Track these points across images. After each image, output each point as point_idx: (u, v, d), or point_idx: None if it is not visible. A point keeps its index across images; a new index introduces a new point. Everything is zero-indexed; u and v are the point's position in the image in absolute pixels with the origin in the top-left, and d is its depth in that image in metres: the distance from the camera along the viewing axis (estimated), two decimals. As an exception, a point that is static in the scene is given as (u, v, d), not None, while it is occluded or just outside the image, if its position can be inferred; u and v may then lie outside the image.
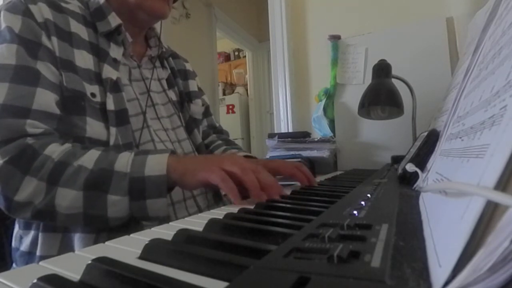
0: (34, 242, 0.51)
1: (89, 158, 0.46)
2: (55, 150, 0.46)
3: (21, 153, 0.45)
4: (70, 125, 0.51)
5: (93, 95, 0.54)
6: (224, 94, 4.11)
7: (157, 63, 0.73)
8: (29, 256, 0.51)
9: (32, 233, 0.52)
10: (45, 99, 0.49)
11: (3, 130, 0.46)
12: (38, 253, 0.50)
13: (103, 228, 0.49)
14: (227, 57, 4.39)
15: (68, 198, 0.44)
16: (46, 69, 0.51)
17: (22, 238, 0.53)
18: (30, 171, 0.45)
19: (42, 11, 0.53)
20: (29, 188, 0.44)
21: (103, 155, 0.47)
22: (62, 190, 0.44)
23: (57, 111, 0.50)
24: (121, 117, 0.56)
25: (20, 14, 0.51)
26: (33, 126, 0.47)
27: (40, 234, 0.50)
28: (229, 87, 4.26)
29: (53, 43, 0.53)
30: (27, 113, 0.47)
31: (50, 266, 0.22)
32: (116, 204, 0.45)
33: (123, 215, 0.46)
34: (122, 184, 0.45)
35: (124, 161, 0.46)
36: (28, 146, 0.46)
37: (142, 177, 0.45)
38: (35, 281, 0.18)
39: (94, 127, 0.53)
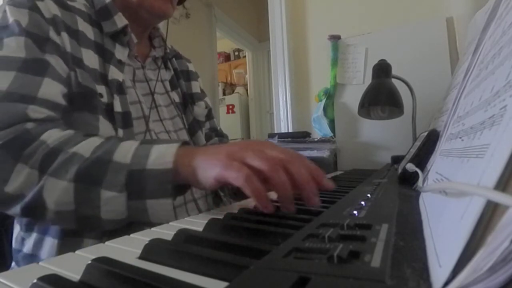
0: (37, 245, 0.50)
1: (88, 145, 0.41)
2: (52, 135, 0.42)
3: (16, 138, 0.40)
4: (83, 122, 0.50)
5: (100, 95, 0.53)
6: (224, 94, 4.11)
7: (161, 64, 0.73)
8: (32, 259, 0.50)
9: (34, 235, 0.50)
10: (52, 89, 0.47)
11: (2, 115, 0.42)
12: (42, 256, 0.48)
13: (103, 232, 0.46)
14: (227, 57, 4.39)
15: (56, 191, 0.38)
16: (54, 62, 0.50)
17: (24, 240, 0.52)
18: (21, 158, 0.40)
19: (49, 8, 0.53)
20: (20, 177, 0.39)
21: (104, 142, 0.41)
22: (51, 180, 0.38)
23: (63, 102, 0.48)
24: (126, 120, 0.56)
25: (26, 9, 0.50)
26: (36, 111, 0.44)
27: (45, 238, 0.49)
28: (229, 87, 4.26)
29: (63, 39, 0.52)
30: (31, 100, 0.44)
31: (50, 266, 0.22)
32: (110, 202, 0.38)
33: (119, 217, 0.39)
34: (118, 178, 0.38)
35: (125, 150, 0.40)
36: (26, 131, 0.42)
37: (142, 170, 0.38)
38: (35, 281, 0.18)
39: (105, 127, 0.52)
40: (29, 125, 0.43)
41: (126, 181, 0.38)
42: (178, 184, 0.40)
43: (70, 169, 0.39)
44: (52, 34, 0.51)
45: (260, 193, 0.34)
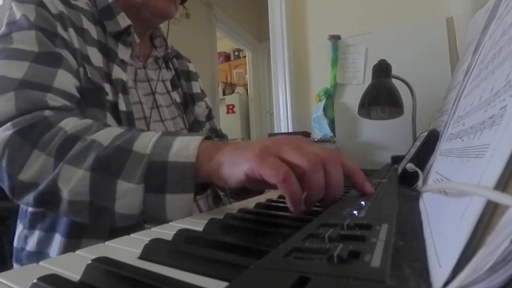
0: (43, 242, 0.50)
1: (108, 133, 0.39)
2: (70, 122, 0.41)
3: (34, 124, 0.40)
4: (93, 118, 0.49)
5: (106, 93, 0.53)
6: (224, 94, 4.11)
7: (162, 64, 0.73)
8: (38, 256, 0.50)
9: (37, 233, 0.51)
10: (66, 80, 0.47)
11: (20, 101, 0.41)
12: (51, 253, 0.48)
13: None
14: (227, 57, 4.39)
15: (73, 179, 0.37)
16: (66, 55, 0.50)
17: (27, 238, 0.52)
18: (39, 145, 0.39)
19: (55, 4, 0.53)
20: (36, 165, 0.38)
21: (125, 132, 0.40)
22: (67, 168, 0.37)
23: (77, 94, 0.48)
24: (129, 119, 0.56)
25: (33, 4, 0.50)
26: (54, 100, 0.44)
27: (53, 235, 0.49)
28: (229, 87, 4.26)
29: (70, 35, 0.52)
30: (47, 88, 0.44)
31: (50, 266, 0.22)
32: (127, 194, 0.36)
33: (133, 212, 0.37)
34: (137, 169, 0.36)
35: (146, 140, 0.38)
36: (44, 118, 0.41)
37: (164, 162, 0.36)
38: (35, 281, 0.18)
39: (112, 123, 0.52)
40: (47, 113, 0.42)
41: (145, 172, 0.36)
42: (199, 180, 0.37)
43: (88, 157, 0.37)
44: (60, 29, 0.51)
45: (298, 197, 0.30)
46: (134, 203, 0.36)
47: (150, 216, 0.38)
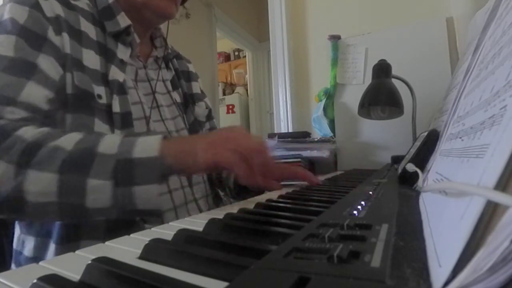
0: (39, 249, 0.50)
1: (69, 139, 0.41)
2: (28, 131, 0.41)
3: None
4: (78, 124, 0.50)
5: (99, 96, 0.53)
6: (224, 94, 4.11)
7: (162, 64, 0.73)
8: (35, 262, 0.50)
9: (33, 239, 0.50)
10: (34, 93, 0.46)
11: None
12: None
13: (107, 232, 0.48)
14: (227, 57, 4.39)
15: (40, 183, 0.38)
16: (46, 64, 0.49)
17: (24, 242, 0.52)
18: None
19: (53, 7, 0.52)
20: None
21: (86, 136, 0.42)
22: (33, 173, 0.38)
23: (45, 107, 0.47)
24: (125, 120, 0.56)
25: (28, 6, 0.50)
26: (13, 113, 0.44)
27: (48, 242, 0.49)
28: (229, 87, 4.26)
29: (63, 40, 0.51)
30: (10, 101, 0.44)
31: (50, 266, 0.22)
32: (97, 190, 0.38)
33: (104, 205, 0.39)
34: (106, 166, 0.39)
35: (110, 142, 0.41)
36: None
37: (130, 159, 0.39)
38: (35, 281, 0.18)
39: (101, 129, 0.52)
40: (1, 122, 0.42)
41: (114, 169, 0.39)
42: (164, 172, 0.42)
43: (54, 161, 0.38)
44: (51, 34, 0.51)
45: (248, 172, 0.43)
46: (104, 197, 0.39)
47: (121, 208, 0.40)
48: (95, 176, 0.38)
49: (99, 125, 0.52)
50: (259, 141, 0.48)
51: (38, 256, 0.50)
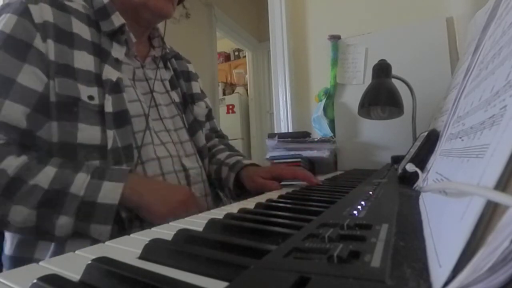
0: (22, 245, 0.51)
1: (45, 177, 0.47)
2: (11, 164, 0.46)
3: None
4: (61, 131, 0.50)
5: (90, 97, 0.53)
6: (224, 94, 4.11)
7: (160, 64, 0.73)
8: (18, 261, 0.51)
9: (16, 235, 0.52)
10: (12, 112, 0.48)
11: None
12: (37, 257, 0.50)
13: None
14: (227, 57, 4.39)
15: (22, 215, 0.45)
16: (28, 75, 0.49)
17: (7, 240, 0.53)
18: None
19: (42, 12, 0.52)
20: None
21: (59, 173, 0.48)
22: (16, 207, 0.45)
23: (22, 124, 0.49)
24: (120, 119, 0.55)
25: (16, 14, 0.50)
26: None
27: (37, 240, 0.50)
28: (229, 87, 4.26)
29: (48, 46, 0.51)
30: None
31: (50, 266, 0.22)
32: (64, 225, 0.46)
33: (67, 234, 0.47)
34: (72, 206, 0.46)
35: (79, 183, 0.47)
36: None
37: (93, 202, 0.47)
38: (35, 281, 0.18)
39: (86, 132, 0.52)
40: None
41: (77, 209, 0.47)
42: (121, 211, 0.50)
43: (32, 199, 0.46)
44: (38, 41, 0.51)
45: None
46: (68, 228, 0.47)
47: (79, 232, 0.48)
48: (64, 213, 0.46)
49: (85, 129, 0.52)
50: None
51: (24, 255, 0.51)
